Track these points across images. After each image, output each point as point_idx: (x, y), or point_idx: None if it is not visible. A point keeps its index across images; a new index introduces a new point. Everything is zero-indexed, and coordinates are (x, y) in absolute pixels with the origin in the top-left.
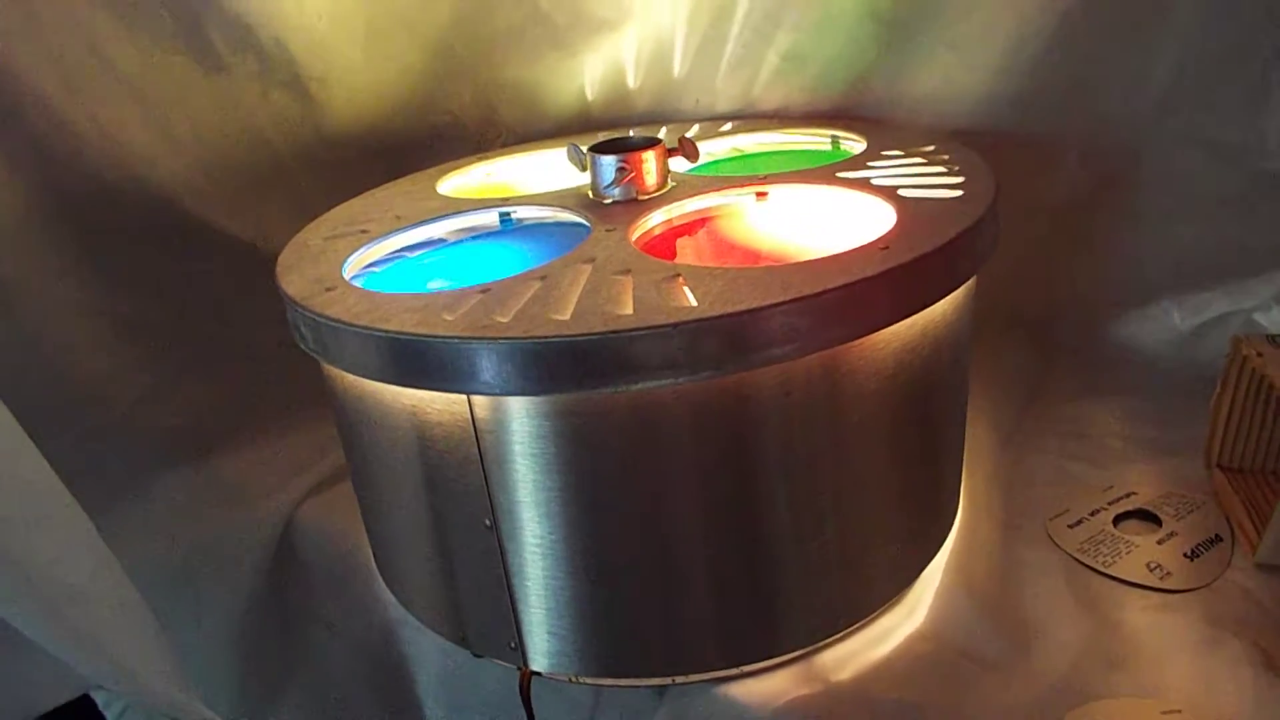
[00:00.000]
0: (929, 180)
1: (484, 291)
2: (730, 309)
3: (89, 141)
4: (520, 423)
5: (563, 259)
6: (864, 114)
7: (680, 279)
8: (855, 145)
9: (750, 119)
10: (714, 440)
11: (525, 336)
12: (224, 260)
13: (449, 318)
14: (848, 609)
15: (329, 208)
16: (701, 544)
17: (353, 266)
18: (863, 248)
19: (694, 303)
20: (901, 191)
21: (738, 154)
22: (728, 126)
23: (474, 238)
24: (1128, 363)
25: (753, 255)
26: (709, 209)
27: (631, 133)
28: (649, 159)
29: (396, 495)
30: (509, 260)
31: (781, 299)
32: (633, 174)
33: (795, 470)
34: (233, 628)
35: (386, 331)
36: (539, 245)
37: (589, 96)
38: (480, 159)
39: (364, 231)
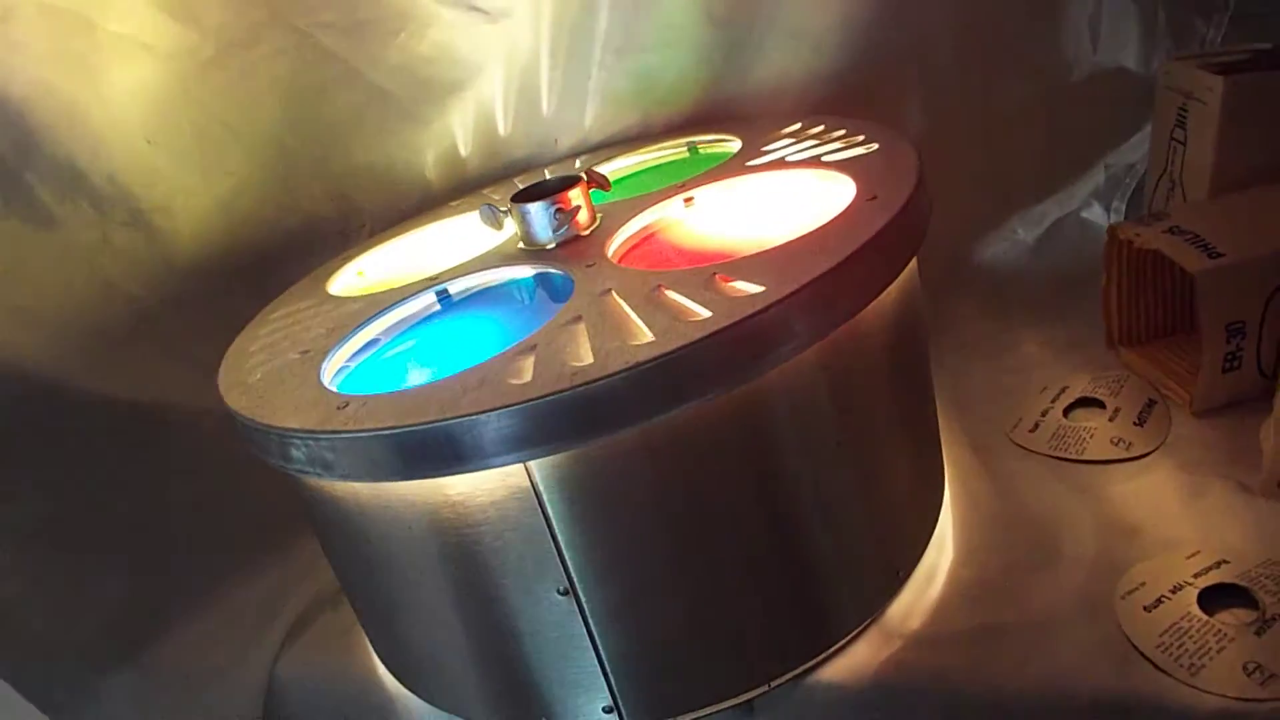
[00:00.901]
0: (837, 147)
1: (531, 348)
2: (792, 288)
3: None
4: (589, 472)
5: (575, 303)
6: (725, 114)
7: (719, 277)
8: (721, 145)
9: (614, 146)
10: (765, 438)
11: (625, 368)
12: (108, 427)
13: (518, 381)
14: (902, 563)
15: (200, 345)
16: (773, 546)
17: (331, 383)
18: (853, 205)
19: (759, 288)
20: (825, 159)
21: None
22: (578, 163)
23: (421, 323)
24: (1001, 278)
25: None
26: (651, 224)
27: (518, 182)
28: (577, 195)
29: (438, 600)
30: (483, 331)
31: (840, 258)
32: (571, 213)
33: (833, 454)
34: None
35: (443, 421)
36: (500, 308)
37: (459, 155)
38: (344, 259)
39: (305, 352)
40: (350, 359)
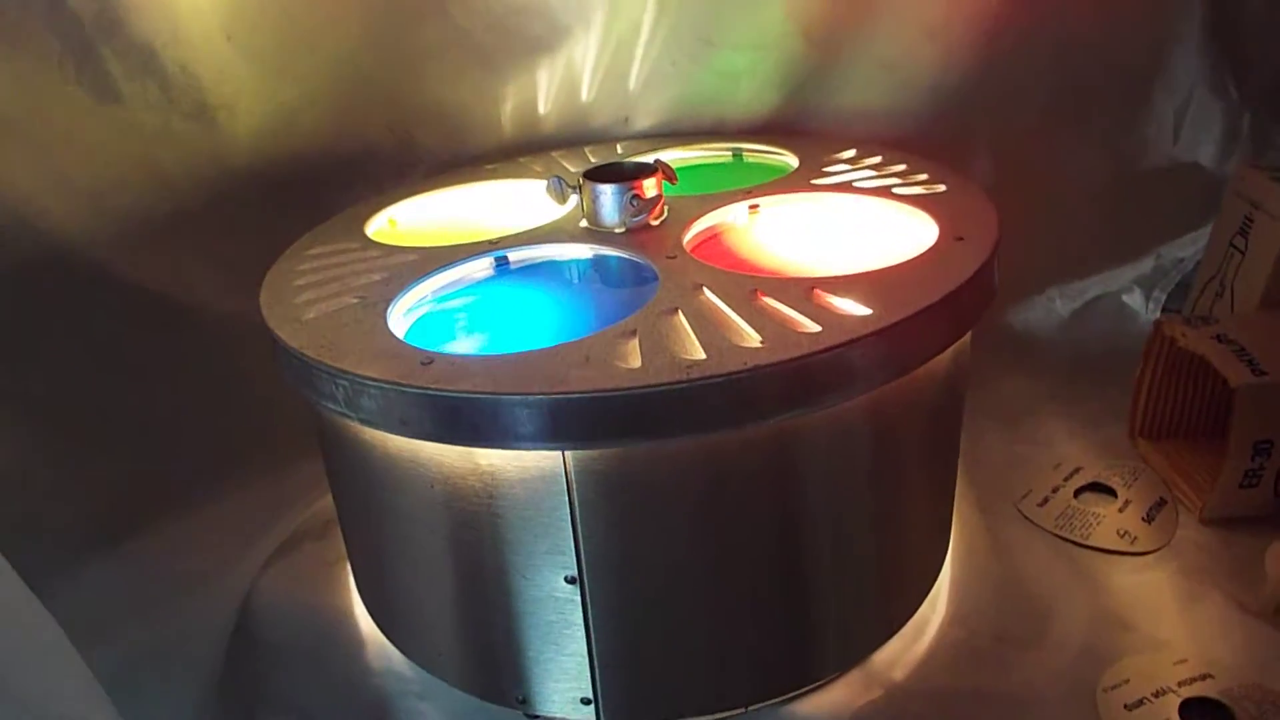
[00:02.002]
0: (899, 181)
1: (631, 332)
2: (902, 314)
3: None
4: (627, 471)
5: (667, 294)
6: (797, 127)
7: (818, 290)
8: (768, 156)
9: (668, 138)
10: (803, 469)
11: (743, 369)
12: (130, 313)
13: (627, 365)
14: (898, 614)
15: (237, 250)
16: (780, 575)
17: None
18: (941, 243)
19: (866, 310)
20: (896, 190)
21: None
22: (619, 148)
23: (476, 285)
24: (1029, 345)
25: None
26: (715, 226)
27: (589, 154)
28: (653, 185)
29: (440, 561)
30: (543, 303)
31: (943, 292)
32: (648, 203)
33: (860, 496)
34: None
35: (549, 395)
36: (557, 284)
37: (538, 112)
38: (378, 204)
39: (363, 299)
40: (406, 312)
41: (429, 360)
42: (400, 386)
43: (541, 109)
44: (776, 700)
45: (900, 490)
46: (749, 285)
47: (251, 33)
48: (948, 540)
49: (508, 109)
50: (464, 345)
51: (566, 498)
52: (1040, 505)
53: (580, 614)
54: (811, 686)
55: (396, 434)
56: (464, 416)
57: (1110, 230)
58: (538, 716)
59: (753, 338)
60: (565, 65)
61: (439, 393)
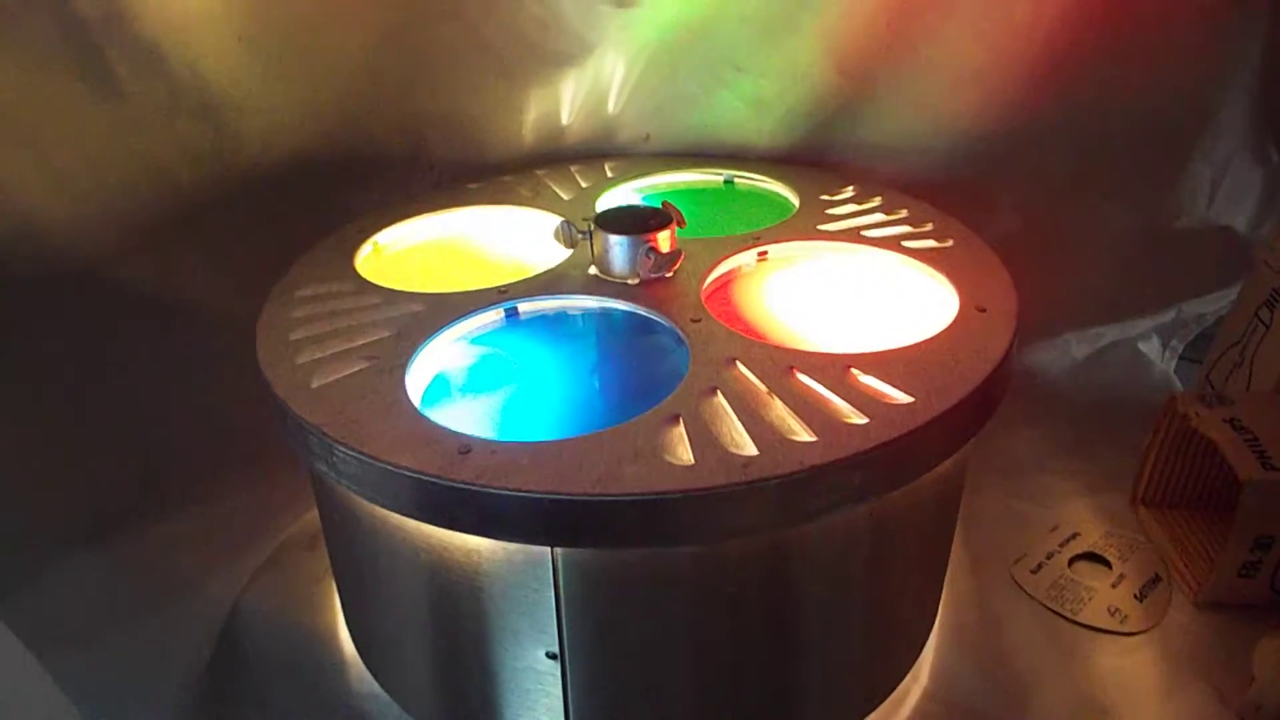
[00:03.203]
0: (908, 230)
1: (674, 418)
2: (944, 404)
3: None
4: (616, 564)
5: (702, 369)
6: (822, 160)
7: (853, 369)
8: (757, 183)
9: (662, 158)
10: (796, 565)
11: (798, 469)
12: (124, 313)
13: (678, 461)
14: (879, 689)
15: (240, 251)
16: (763, 661)
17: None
18: (964, 315)
19: (907, 397)
20: (906, 244)
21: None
22: (608, 168)
23: (487, 336)
24: (1039, 388)
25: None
26: (724, 274)
27: (578, 177)
28: (665, 239)
29: (422, 619)
30: (559, 360)
31: (976, 381)
32: (665, 259)
33: (851, 586)
34: None
35: (603, 497)
36: (569, 333)
37: (564, 122)
38: (360, 230)
39: (374, 360)
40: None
41: (466, 449)
42: (441, 481)
43: (564, 121)
44: None
45: (895, 576)
46: (784, 361)
47: (264, 33)
48: (936, 609)
49: (527, 120)
50: (480, 409)
51: (552, 585)
52: (1033, 572)
53: (559, 687)
54: None
55: (410, 518)
56: (502, 514)
57: (1133, 282)
58: None
59: (802, 430)
60: (589, 81)
61: (484, 489)
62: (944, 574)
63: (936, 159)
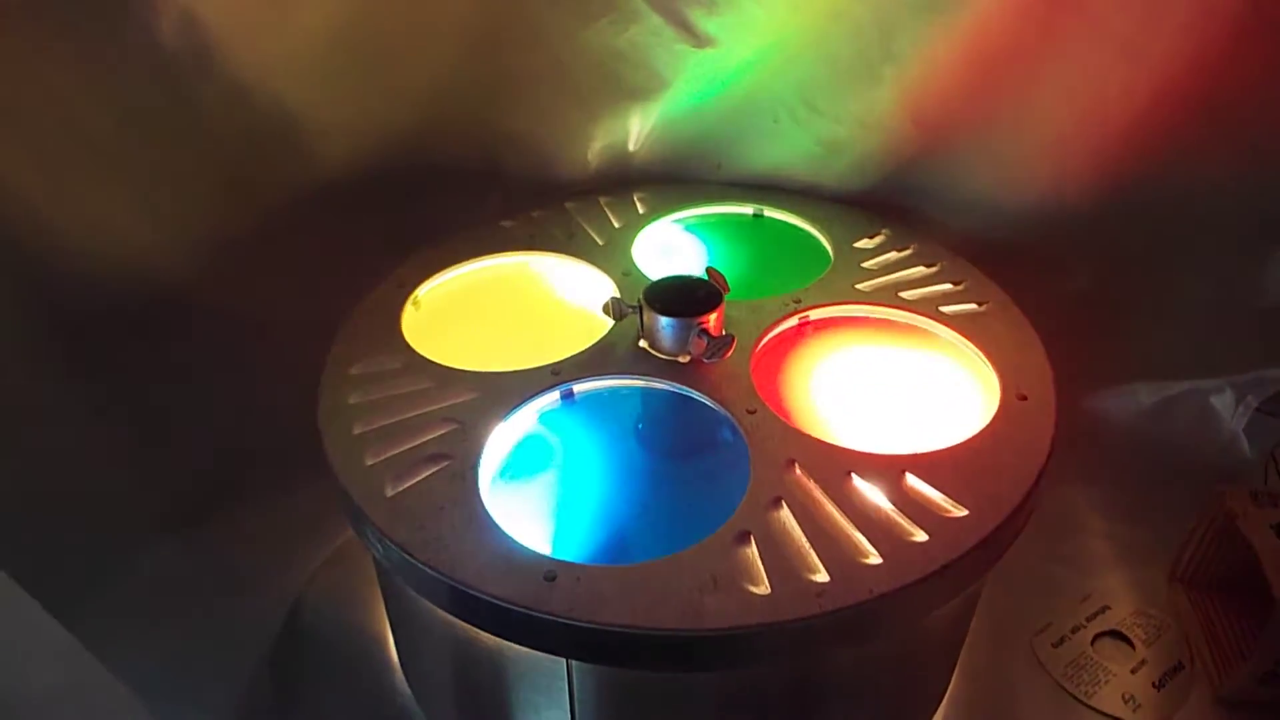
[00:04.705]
0: (947, 287)
1: (745, 536)
2: (997, 517)
3: (70, 225)
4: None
5: (765, 473)
6: (891, 206)
7: (908, 474)
8: (797, 222)
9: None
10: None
11: (870, 598)
12: (208, 325)
13: (756, 589)
14: None
15: (315, 262)
16: None
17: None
18: (1006, 405)
19: (962, 510)
20: (944, 309)
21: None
22: (638, 203)
23: (551, 419)
24: (1096, 436)
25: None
26: (771, 340)
27: (608, 211)
28: (714, 318)
29: (448, 671)
30: (617, 446)
31: (1023, 491)
32: (718, 344)
33: (870, 679)
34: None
35: (682, 631)
36: (625, 414)
37: (632, 149)
38: (400, 285)
39: (441, 458)
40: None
41: (552, 575)
42: (531, 612)
43: (631, 148)
44: None
45: (913, 663)
46: (842, 464)
47: (347, 63)
48: (950, 679)
49: (595, 147)
50: (551, 510)
51: (566, 684)
52: (1055, 645)
53: None
54: None
55: (489, 633)
56: (587, 643)
57: (1209, 347)
58: None
59: (868, 549)
60: (661, 113)
61: (573, 622)
62: (960, 648)
63: (1006, 219)
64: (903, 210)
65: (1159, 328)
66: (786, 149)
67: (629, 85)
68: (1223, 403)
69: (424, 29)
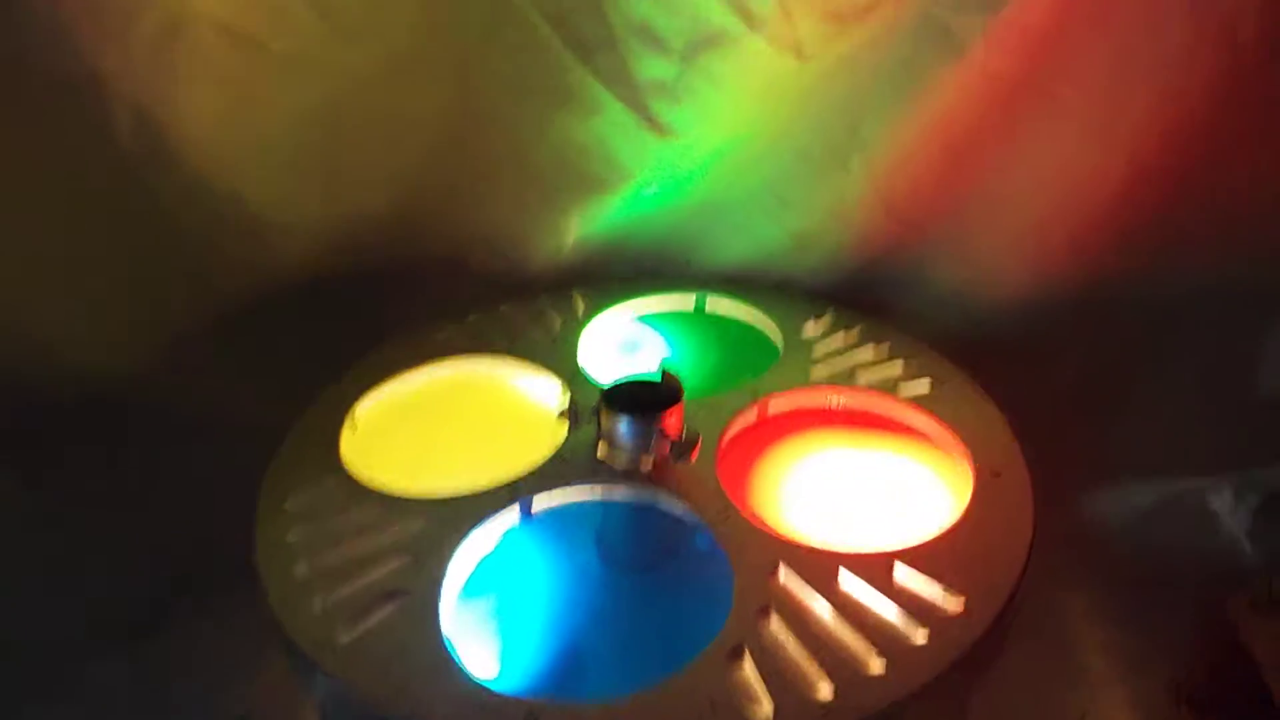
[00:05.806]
0: (899, 374)
1: (738, 652)
2: (994, 607)
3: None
4: None
5: (749, 581)
6: (864, 300)
7: (897, 565)
8: (740, 310)
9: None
10: None
11: (875, 711)
12: (156, 424)
13: (758, 709)
14: None
15: (269, 357)
16: None
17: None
18: (981, 485)
19: (957, 599)
20: (902, 389)
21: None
22: (581, 304)
23: (509, 542)
24: (1090, 539)
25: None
26: (727, 438)
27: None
28: (674, 418)
29: None
30: (579, 567)
31: (1014, 577)
32: (682, 446)
33: None
34: None
35: None
36: (610, 542)
37: (598, 243)
38: (336, 406)
39: (396, 595)
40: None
41: (532, 715)
42: None
43: (597, 242)
44: None
45: None
46: (828, 564)
47: (309, 160)
48: None
49: (563, 241)
50: (519, 641)
51: None
52: None
53: None
54: None
55: None
56: None
57: (1203, 443)
58: None
59: (870, 656)
60: (626, 205)
61: None
62: None
63: (985, 311)
64: (878, 304)
65: (1150, 423)
66: (756, 242)
67: (594, 177)
68: (1221, 503)
69: (386, 123)
